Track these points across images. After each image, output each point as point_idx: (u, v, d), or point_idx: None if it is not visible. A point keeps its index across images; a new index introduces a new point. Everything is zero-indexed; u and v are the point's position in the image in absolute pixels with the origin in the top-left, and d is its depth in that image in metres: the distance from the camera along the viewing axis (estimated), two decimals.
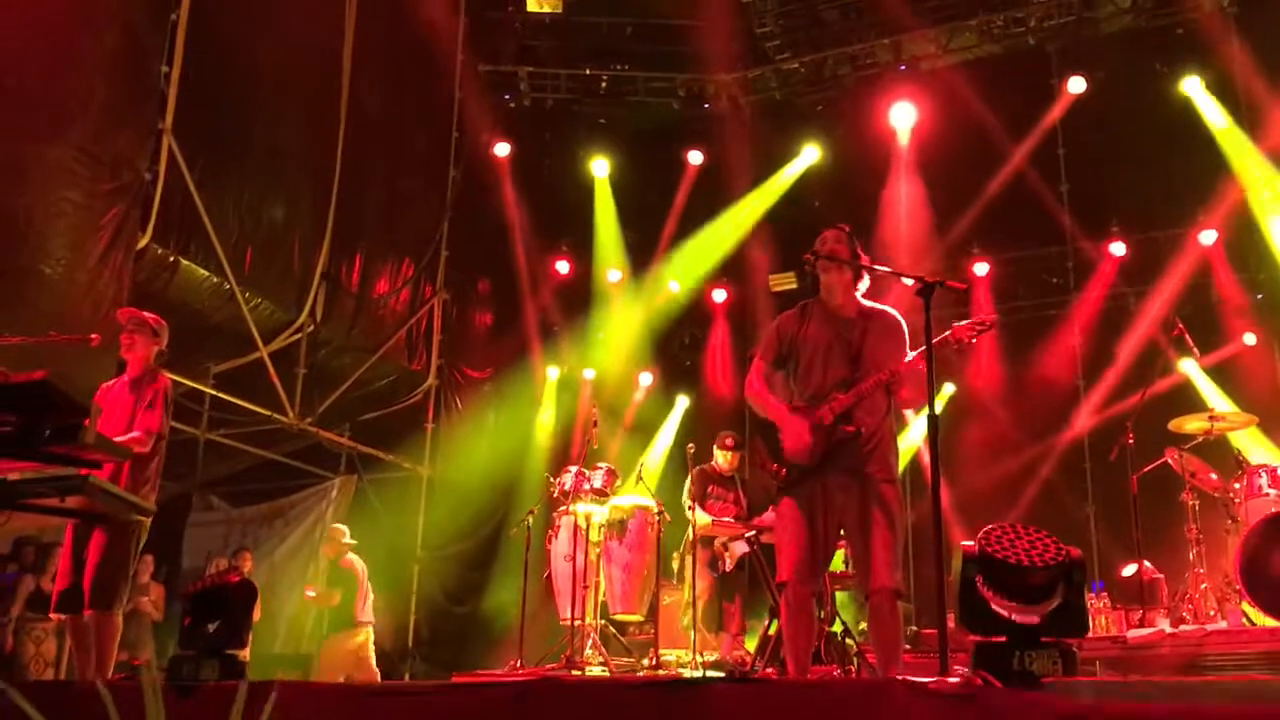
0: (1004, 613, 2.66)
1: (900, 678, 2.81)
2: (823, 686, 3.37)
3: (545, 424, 11.68)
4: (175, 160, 8.48)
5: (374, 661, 9.08)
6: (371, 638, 9.15)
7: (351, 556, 9.15)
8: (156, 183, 8.35)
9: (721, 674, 3.64)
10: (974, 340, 4.76)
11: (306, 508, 10.91)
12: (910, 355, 4.70)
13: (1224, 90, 10.49)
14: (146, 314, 6.03)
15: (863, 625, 8.72)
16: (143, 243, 8.23)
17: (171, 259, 8.63)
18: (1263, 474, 7.10)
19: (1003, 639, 2.83)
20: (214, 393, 9.43)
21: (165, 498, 5.86)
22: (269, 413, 9.68)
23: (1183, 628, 6.48)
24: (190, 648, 3.82)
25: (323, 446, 10.61)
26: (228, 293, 9.08)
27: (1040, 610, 2.80)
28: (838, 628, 7.75)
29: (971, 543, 2.75)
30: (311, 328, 9.98)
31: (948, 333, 4.69)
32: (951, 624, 4.93)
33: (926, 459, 10.68)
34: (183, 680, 3.44)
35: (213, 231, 8.77)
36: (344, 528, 9.40)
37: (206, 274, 8.90)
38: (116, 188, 7.88)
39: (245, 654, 3.81)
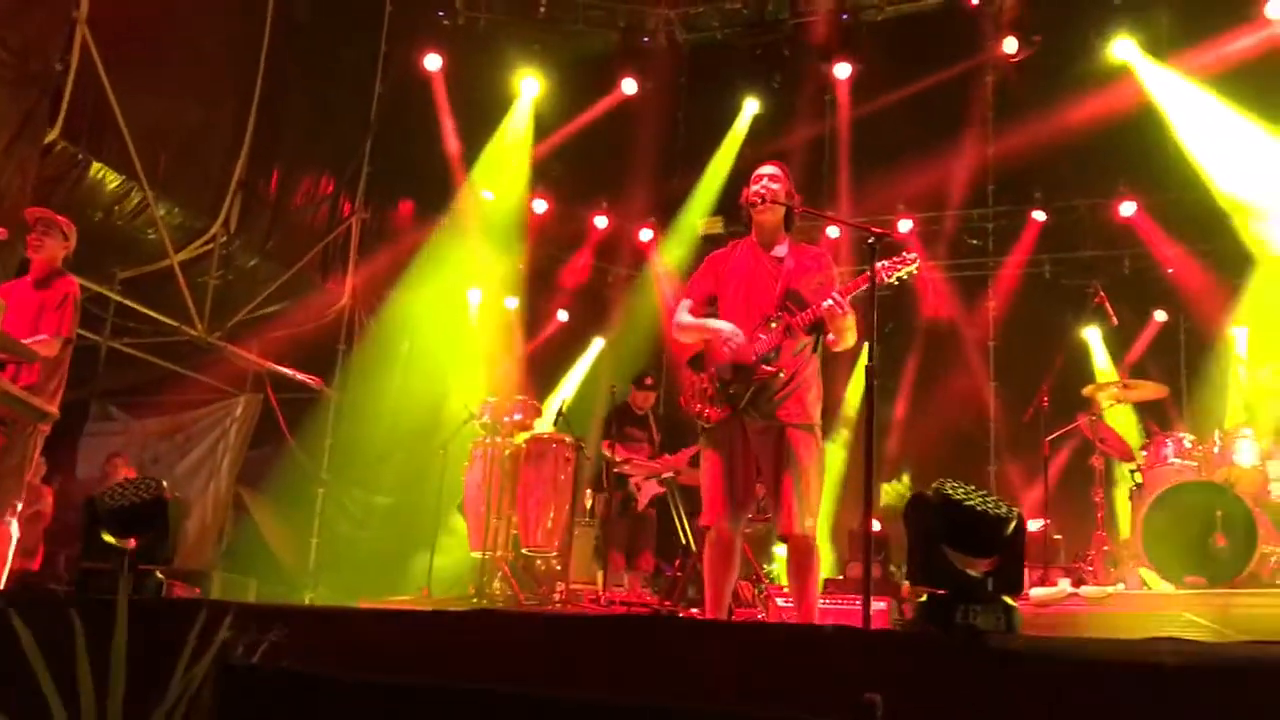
0: (959, 565, 2.64)
1: (841, 626, 2.80)
2: (767, 630, 3.36)
3: (464, 352, 11.48)
4: (89, 53, 8.03)
5: None
6: None
7: None
8: (68, 75, 7.89)
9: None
10: (897, 280, 4.72)
11: (210, 424, 10.59)
12: (832, 300, 4.64)
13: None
14: (57, 215, 5.78)
15: (769, 568, 8.85)
16: (51, 137, 7.79)
17: (80, 157, 8.19)
18: (1169, 443, 7.30)
19: (943, 592, 2.82)
20: (119, 299, 9.07)
21: (63, 403, 5.62)
22: (176, 324, 9.34)
23: (1084, 588, 6.65)
24: (100, 560, 3.64)
25: (229, 362, 10.30)
26: (138, 196, 8.69)
27: (985, 565, 2.79)
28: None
29: (930, 491, 2.72)
30: (225, 238, 9.63)
31: (860, 278, 4.65)
32: (877, 572, 4.99)
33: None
34: (98, 595, 3.28)
35: (126, 131, 8.36)
36: None
37: (117, 175, 8.49)
38: (24, 75, 7.38)
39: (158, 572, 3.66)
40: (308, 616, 2.91)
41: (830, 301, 4.60)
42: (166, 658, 1.78)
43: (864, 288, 4.56)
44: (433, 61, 11.36)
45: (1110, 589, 6.66)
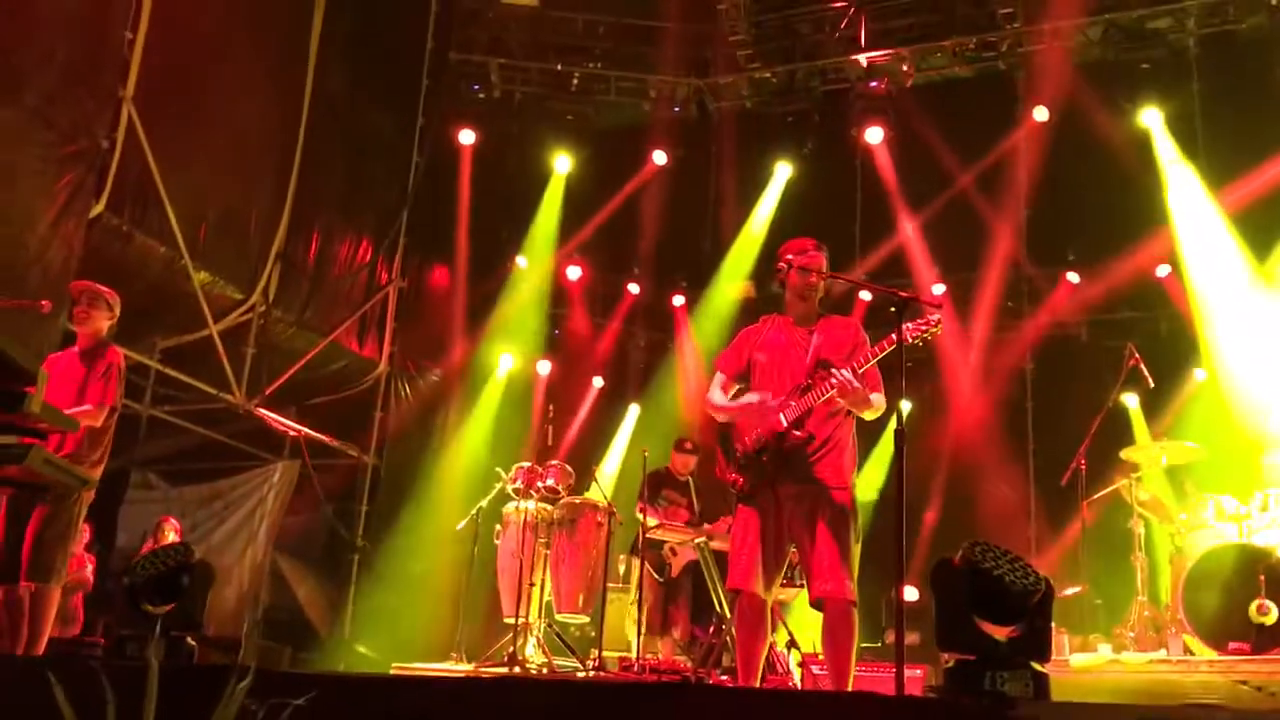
0: (987, 631, 2.63)
1: (868, 693, 2.78)
2: (796, 696, 3.34)
3: (496, 417, 11.55)
4: (134, 129, 8.27)
5: None
6: None
7: None
8: (113, 151, 8.11)
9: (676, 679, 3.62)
10: (922, 341, 4.71)
11: (248, 491, 10.68)
12: (847, 372, 4.63)
13: (1178, 128, 10.64)
14: (102, 287, 5.90)
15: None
16: (96, 211, 8.00)
17: (124, 229, 8.40)
18: (1209, 505, 7.19)
19: (971, 657, 2.80)
20: (160, 368, 9.22)
21: (104, 472, 5.70)
22: (215, 391, 9.49)
23: (1125, 654, 6.54)
24: (135, 627, 3.68)
25: (267, 429, 10.42)
26: (180, 267, 8.88)
27: (1013, 632, 2.77)
28: (781, 637, 7.73)
29: (958, 556, 2.71)
30: (264, 308, 9.80)
31: (883, 342, 4.65)
32: (912, 639, 4.93)
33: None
34: (127, 659, 3.32)
35: (168, 204, 8.57)
36: None
37: (160, 247, 8.69)
38: (72, 153, 7.61)
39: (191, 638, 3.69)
40: (334, 684, 2.92)
41: (837, 380, 4.59)
42: None
43: (889, 350, 4.57)
44: (466, 136, 11.59)
45: (1152, 655, 6.54)
